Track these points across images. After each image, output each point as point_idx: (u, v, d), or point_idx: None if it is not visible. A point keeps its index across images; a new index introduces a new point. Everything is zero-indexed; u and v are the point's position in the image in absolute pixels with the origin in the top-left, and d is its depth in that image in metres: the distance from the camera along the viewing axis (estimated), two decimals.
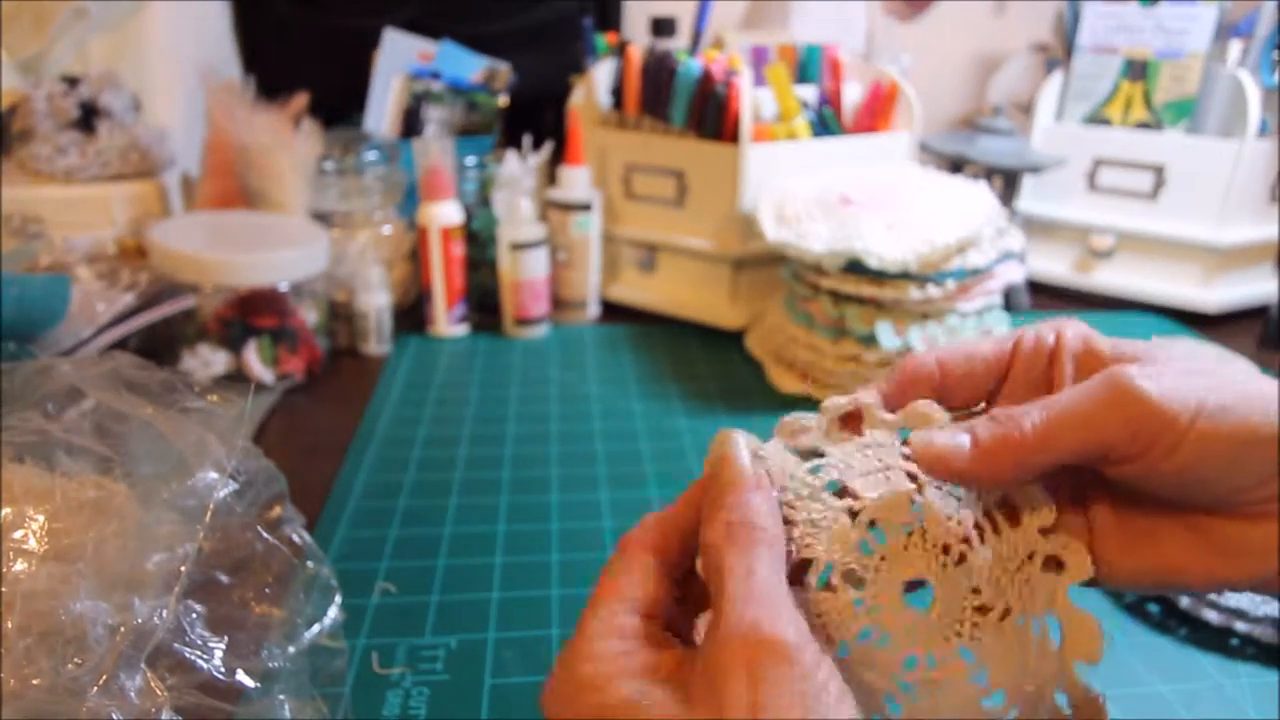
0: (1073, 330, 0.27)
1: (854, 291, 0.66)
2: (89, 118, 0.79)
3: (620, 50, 0.85)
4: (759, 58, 0.90)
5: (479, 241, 0.86)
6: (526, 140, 0.90)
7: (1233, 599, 0.45)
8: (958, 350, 0.28)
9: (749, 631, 0.22)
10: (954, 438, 0.25)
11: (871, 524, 0.27)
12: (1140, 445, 0.23)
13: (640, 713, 0.22)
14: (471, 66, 0.99)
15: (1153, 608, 0.47)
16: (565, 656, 0.25)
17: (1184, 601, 0.46)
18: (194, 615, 0.38)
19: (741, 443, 0.27)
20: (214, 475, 0.42)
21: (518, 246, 0.80)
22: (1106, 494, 0.26)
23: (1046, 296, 0.95)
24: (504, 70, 0.99)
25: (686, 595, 0.28)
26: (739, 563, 0.24)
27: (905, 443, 0.27)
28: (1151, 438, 0.23)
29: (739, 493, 0.26)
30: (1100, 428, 0.24)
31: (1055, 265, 0.97)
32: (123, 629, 0.35)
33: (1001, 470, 0.25)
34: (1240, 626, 0.44)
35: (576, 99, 0.89)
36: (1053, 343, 0.27)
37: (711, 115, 0.79)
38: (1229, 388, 0.23)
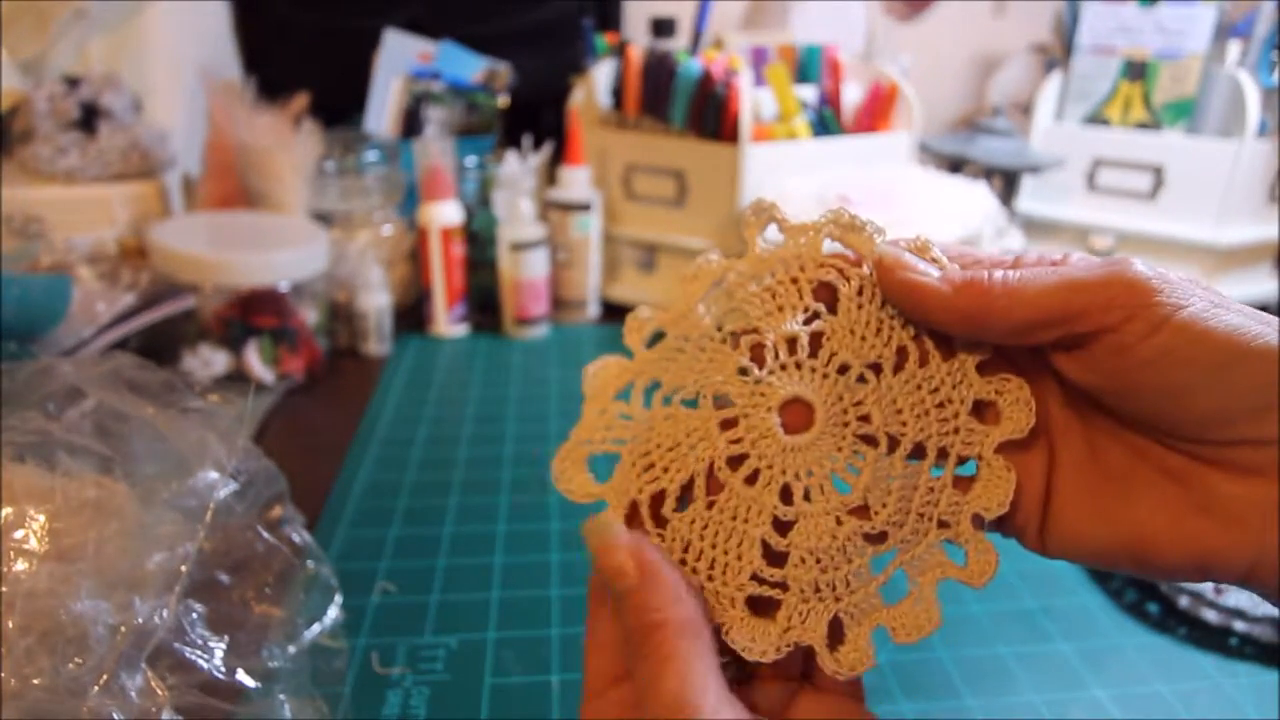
0: (1079, 254, 0.24)
1: None
2: (90, 118, 0.79)
3: (620, 50, 0.85)
4: (759, 58, 0.90)
5: (479, 242, 0.86)
6: (526, 140, 0.90)
7: (1232, 598, 0.45)
8: (961, 251, 0.25)
9: None
10: (922, 262, 0.23)
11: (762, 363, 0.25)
12: (1117, 316, 0.21)
13: None
14: (471, 67, 0.99)
15: (1152, 608, 0.47)
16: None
17: (1183, 601, 0.46)
18: (194, 615, 0.38)
19: (613, 529, 0.25)
20: (214, 475, 0.42)
21: (518, 246, 0.80)
22: (1079, 426, 0.24)
23: None
24: (504, 70, 0.99)
25: None
26: (646, 672, 0.22)
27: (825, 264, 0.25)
28: (1131, 311, 0.20)
29: (629, 590, 0.23)
30: (1079, 290, 0.21)
31: None
32: (123, 629, 0.35)
33: (959, 312, 0.22)
34: (1239, 626, 0.44)
35: (576, 99, 0.89)
36: (1059, 259, 0.24)
37: (711, 115, 0.79)
38: (1236, 305, 0.21)
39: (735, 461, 0.25)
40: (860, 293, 0.24)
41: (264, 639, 0.40)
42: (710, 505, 0.25)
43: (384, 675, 0.42)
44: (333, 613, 0.44)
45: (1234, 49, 0.88)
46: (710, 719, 0.21)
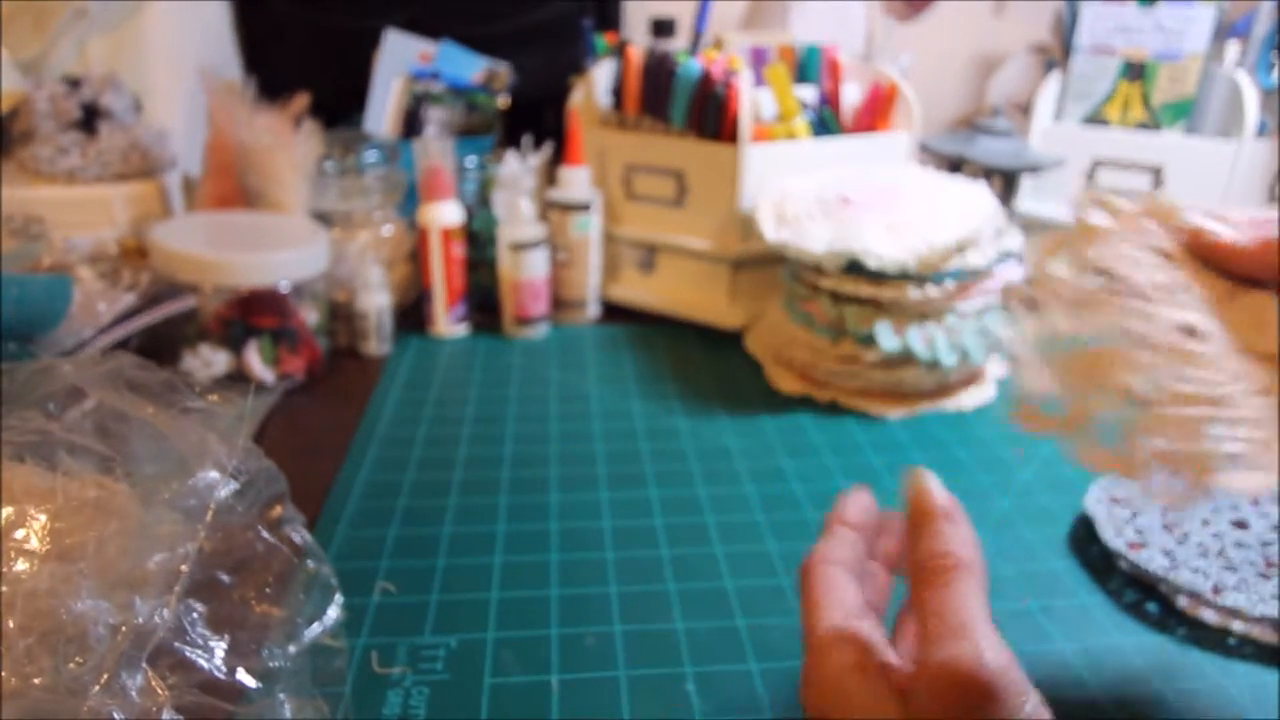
0: None
1: (853, 292, 0.66)
2: (90, 118, 0.80)
3: (620, 50, 0.85)
4: (759, 58, 0.90)
5: (479, 242, 0.86)
6: (526, 140, 0.90)
7: (1230, 598, 0.45)
8: (1237, 218, 0.33)
9: (946, 672, 0.25)
10: (1225, 227, 0.32)
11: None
12: None
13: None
14: (471, 67, 0.99)
15: (1152, 607, 0.47)
16: (814, 661, 0.29)
17: (1182, 601, 0.46)
18: (195, 615, 0.38)
19: (932, 477, 0.32)
20: (215, 475, 0.42)
21: (518, 247, 0.80)
22: None
23: None
24: (504, 71, 0.99)
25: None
26: (933, 598, 0.27)
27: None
28: None
29: (934, 523, 0.30)
30: None
31: None
32: (124, 628, 0.35)
33: (1258, 261, 0.31)
34: (1238, 626, 0.44)
35: (576, 99, 0.89)
36: None
37: (711, 115, 0.79)
38: None
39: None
40: (1183, 252, 0.33)
41: (264, 639, 0.40)
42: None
43: (384, 675, 0.42)
44: (333, 613, 0.44)
45: (1233, 49, 0.88)
46: (983, 641, 0.25)
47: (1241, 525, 0.51)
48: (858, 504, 0.35)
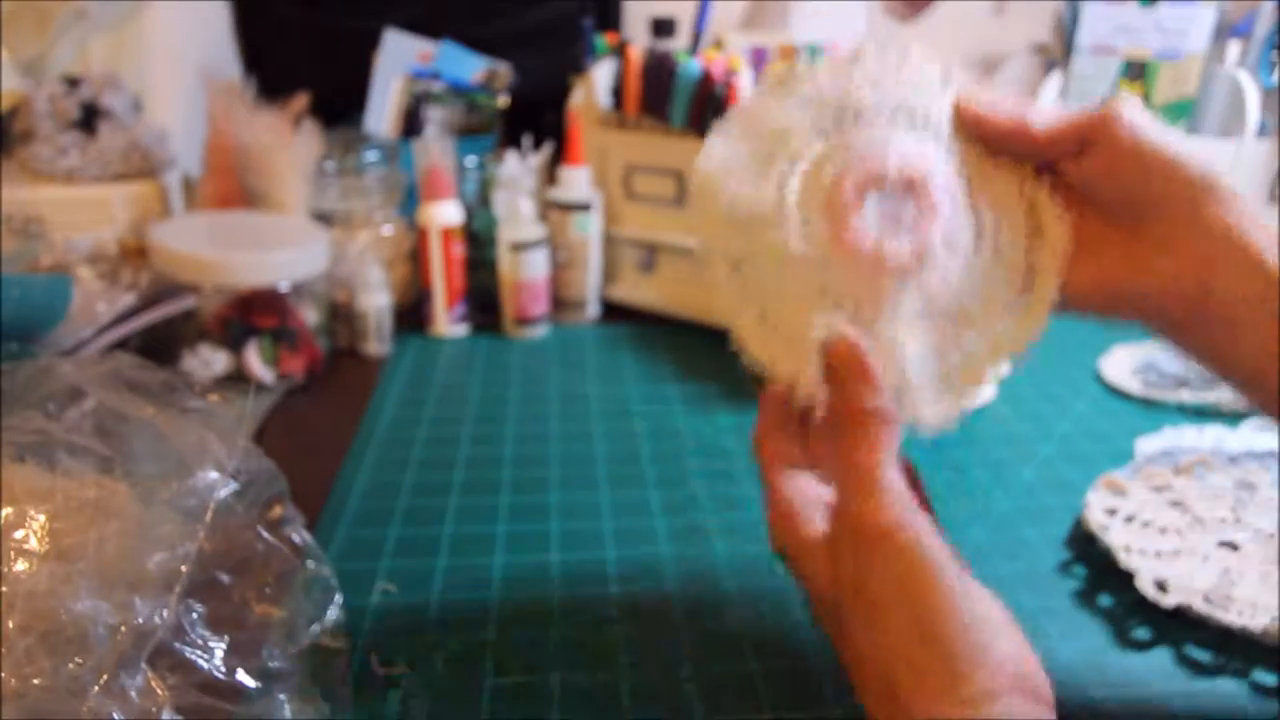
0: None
1: None
2: (90, 118, 0.80)
3: (620, 50, 0.85)
4: (759, 58, 0.90)
5: (479, 242, 0.86)
6: (526, 140, 0.90)
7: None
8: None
9: (852, 521, 0.30)
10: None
11: None
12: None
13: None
14: (471, 67, 0.99)
15: (1152, 609, 0.47)
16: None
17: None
18: (194, 615, 0.38)
19: (860, 342, 0.33)
20: (214, 475, 0.42)
21: (518, 247, 0.80)
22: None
23: None
24: (504, 70, 0.99)
25: None
26: (845, 445, 0.31)
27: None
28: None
29: (850, 383, 0.32)
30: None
31: None
32: (123, 628, 0.35)
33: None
34: (1238, 626, 0.44)
35: (576, 99, 0.89)
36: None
37: (711, 115, 0.79)
38: None
39: None
40: None
41: (264, 639, 0.40)
42: None
43: (384, 675, 0.42)
44: (333, 613, 0.44)
45: (1234, 49, 0.88)
46: (886, 485, 0.30)
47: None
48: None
